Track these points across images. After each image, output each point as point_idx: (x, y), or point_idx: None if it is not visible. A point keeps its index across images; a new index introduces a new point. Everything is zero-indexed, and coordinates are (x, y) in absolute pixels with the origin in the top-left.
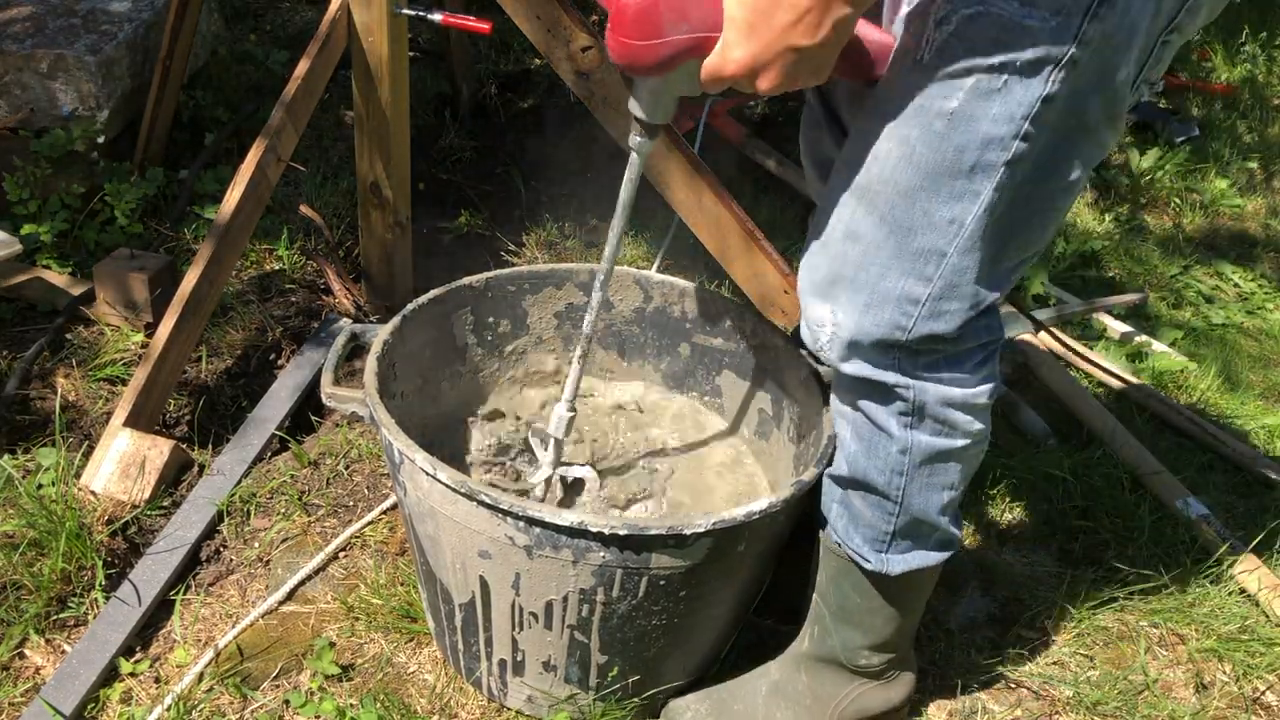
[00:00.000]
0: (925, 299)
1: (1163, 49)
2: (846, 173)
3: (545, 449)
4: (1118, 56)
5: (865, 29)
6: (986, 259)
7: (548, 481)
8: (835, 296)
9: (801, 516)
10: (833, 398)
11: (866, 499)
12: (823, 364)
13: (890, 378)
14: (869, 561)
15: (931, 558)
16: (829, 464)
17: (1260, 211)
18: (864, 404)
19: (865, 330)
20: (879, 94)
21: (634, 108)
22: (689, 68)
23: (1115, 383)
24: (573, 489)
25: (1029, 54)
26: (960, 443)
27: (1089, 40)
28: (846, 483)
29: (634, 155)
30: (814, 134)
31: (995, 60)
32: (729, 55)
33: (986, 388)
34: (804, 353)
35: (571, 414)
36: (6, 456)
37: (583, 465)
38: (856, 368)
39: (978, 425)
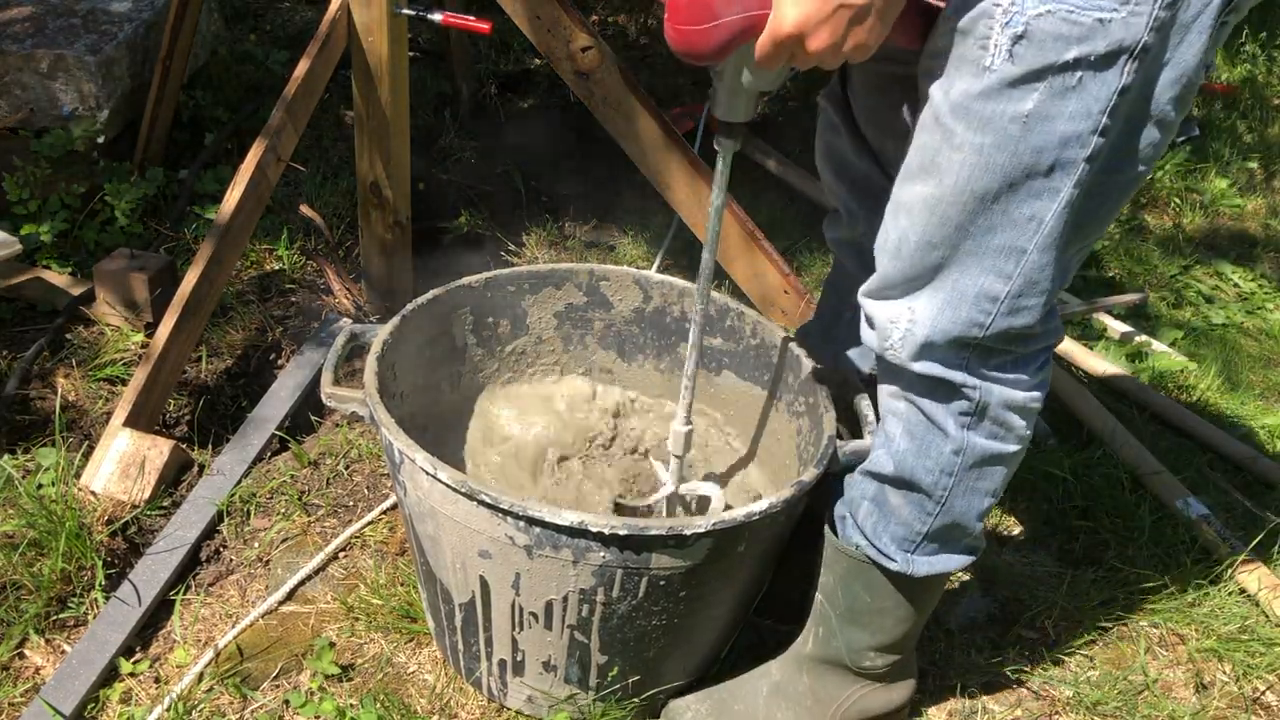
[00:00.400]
0: (1005, 296)
1: (1221, 30)
2: (916, 186)
3: (666, 468)
4: (1189, 40)
5: None
6: (1061, 252)
7: (670, 499)
8: (912, 295)
9: (802, 516)
10: (884, 393)
11: (907, 497)
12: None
13: (958, 377)
14: (894, 561)
15: (955, 561)
16: (832, 463)
17: (1260, 211)
18: (923, 401)
19: (942, 329)
20: (943, 105)
21: (714, 111)
22: (747, 51)
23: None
24: (698, 508)
25: (1102, 47)
26: (1012, 448)
27: (1161, 26)
28: (888, 479)
29: (720, 158)
30: (830, 139)
31: (1069, 57)
32: (780, 14)
33: (1043, 393)
34: (804, 352)
35: (689, 428)
36: (6, 456)
37: (707, 483)
38: (926, 367)
39: (1027, 431)
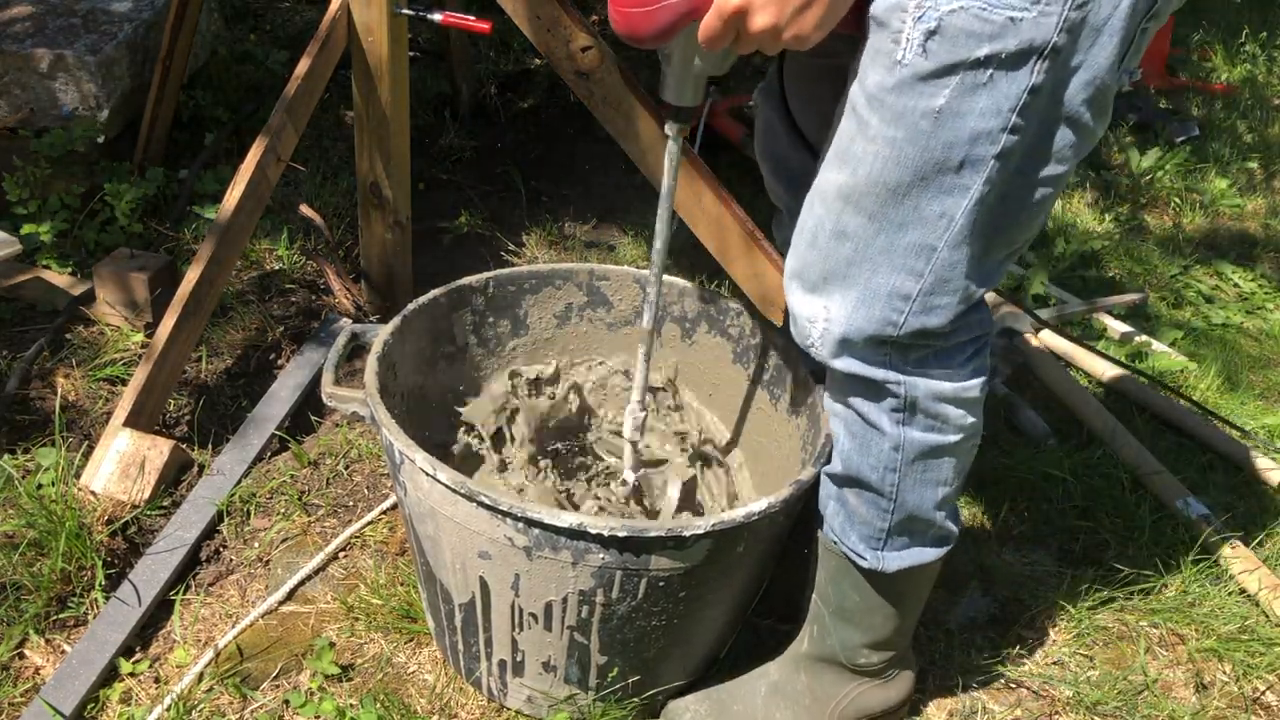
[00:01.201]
0: (916, 294)
1: (1141, 36)
2: (831, 174)
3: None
4: (1101, 43)
5: None
6: (976, 253)
7: (633, 485)
8: (827, 293)
9: (801, 516)
10: (825, 396)
11: (861, 496)
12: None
13: (881, 374)
14: (865, 559)
15: (928, 554)
16: (827, 462)
17: (1260, 211)
18: (855, 401)
19: (857, 327)
20: (859, 95)
21: (663, 93)
22: (691, 33)
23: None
24: (656, 492)
25: (1013, 45)
26: (953, 438)
27: (1072, 28)
28: (841, 480)
29: (670, 143)
30: (768, 137)
31: (980, 54)
32: None
33: (978, 381)
34: (803, 351)
35: (644, 413)
36: (6, 456)
37: (663, 466)
38: (848, 364)
39: (970, 419)
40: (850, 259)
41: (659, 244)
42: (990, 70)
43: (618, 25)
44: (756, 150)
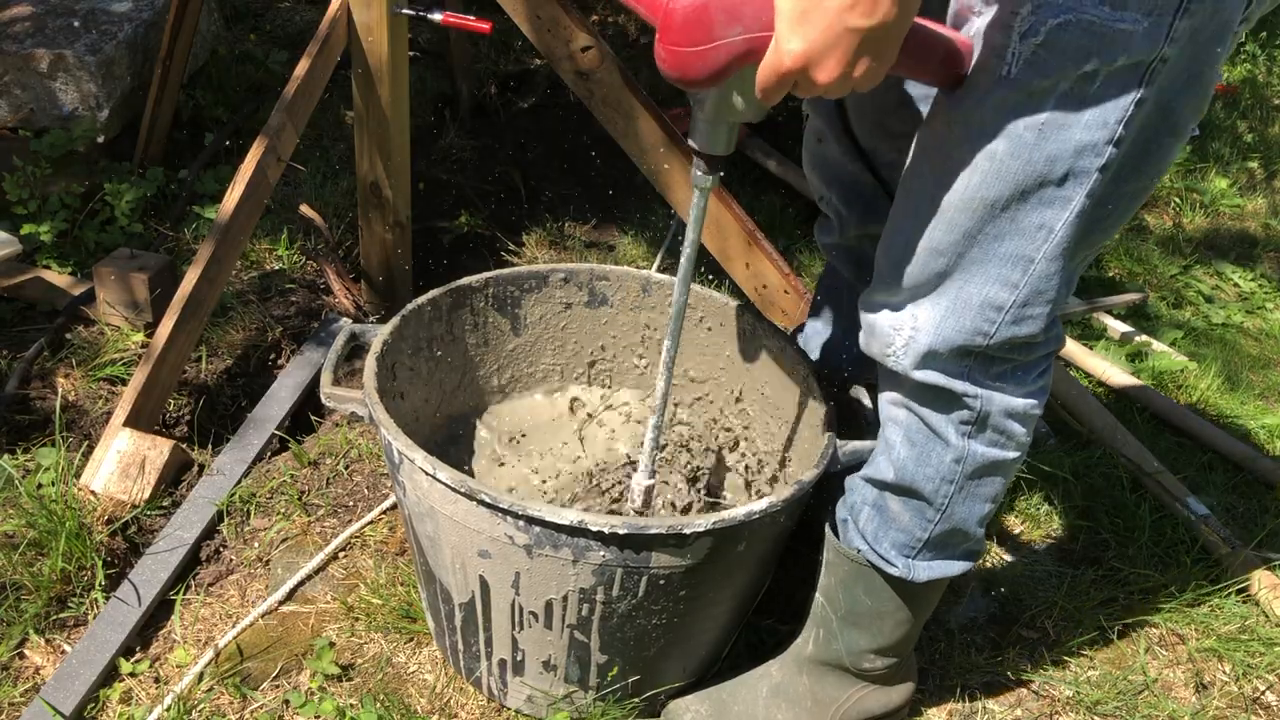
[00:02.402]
0: (1010, 305)
1: (1233, 40)
2: (925, 191)
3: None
4: (1206, 51)
5: (939, 29)
6: (1068, 261)
7: (648, 491)
8: (914, 304)
9: (803, 517)
10: (884, 400)
11: (907, 504)
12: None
13: (960, 386)
14: (895, 567)
15: (956, 567)
16: (830, 462)
17: (1260, 211)
18: (923, 410)
19: (945, 337)
20: (954, 110)
21: (693, 142)
22: (745, 76)
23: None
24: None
25: (1121, 59)
26: (1012, 455)
27: (1179, 38)
28: (888, 487)
29: (696, 193)
30: (818, 146)
31: (1087, 68)
32: (784, 48)
33: (1043, 400)
34: (803, 353)
35: (651, 482)
36: (6, 456)
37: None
38: (928, 375)
39: (1027, 438)
40: (942, 271)
41: (681, 284)
42: (1097, 83)
43: (666, 65)
44: (805, 160)
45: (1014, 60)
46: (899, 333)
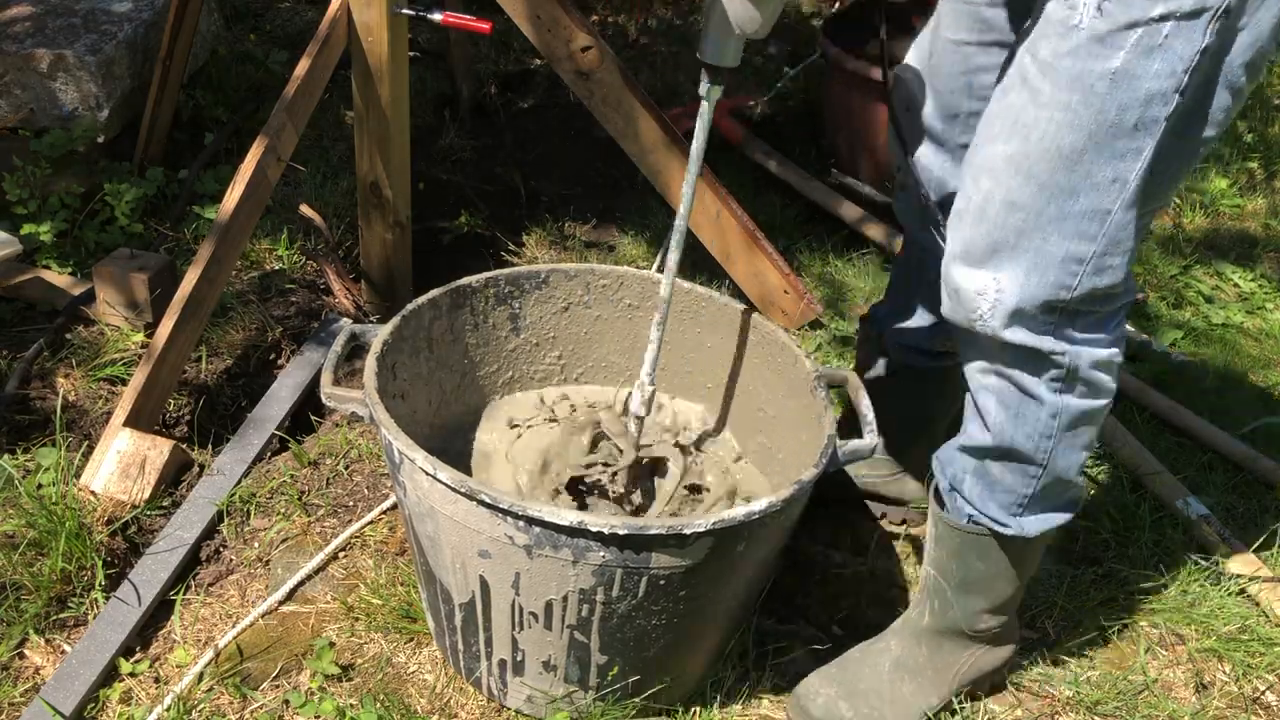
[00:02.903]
0: (1090, 257)
1: None
2: (999, 145)
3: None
4: (1267, 6)
5: None
6: (1141, 210)
7: (631, 467)
8: (996, 265)
9: (803, 518)
10: (971, 369)
11: (1008, 466)
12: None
13: (1049, 343)
14: (1007, 527)
15: (1063, 516)
16: (830, 462)
17: (1260, 211)
18: (1013, 372)
19: (1030, 294)
20: (1030, 66)
21: (702, 54)
22: None
23: None
24: (655, 472)
25: (1189, 4)
26: (1102, 402)
27: None
28: (987, 452)
29: (704, 103)
30: (912, 88)
31: (1155, 13)
32: None
33: (1123, 348)
34: (803, 352)
35: (652, 387)
36: (6, 456)
37: (664, 445)
38: (1016, 334)
39: (1113, 385)
40: (1021, 228)
41: (683, 209)
42: (1165, 29)
43: None
44: (892, 103)
45: (1085, 10)
46: (984, 296)
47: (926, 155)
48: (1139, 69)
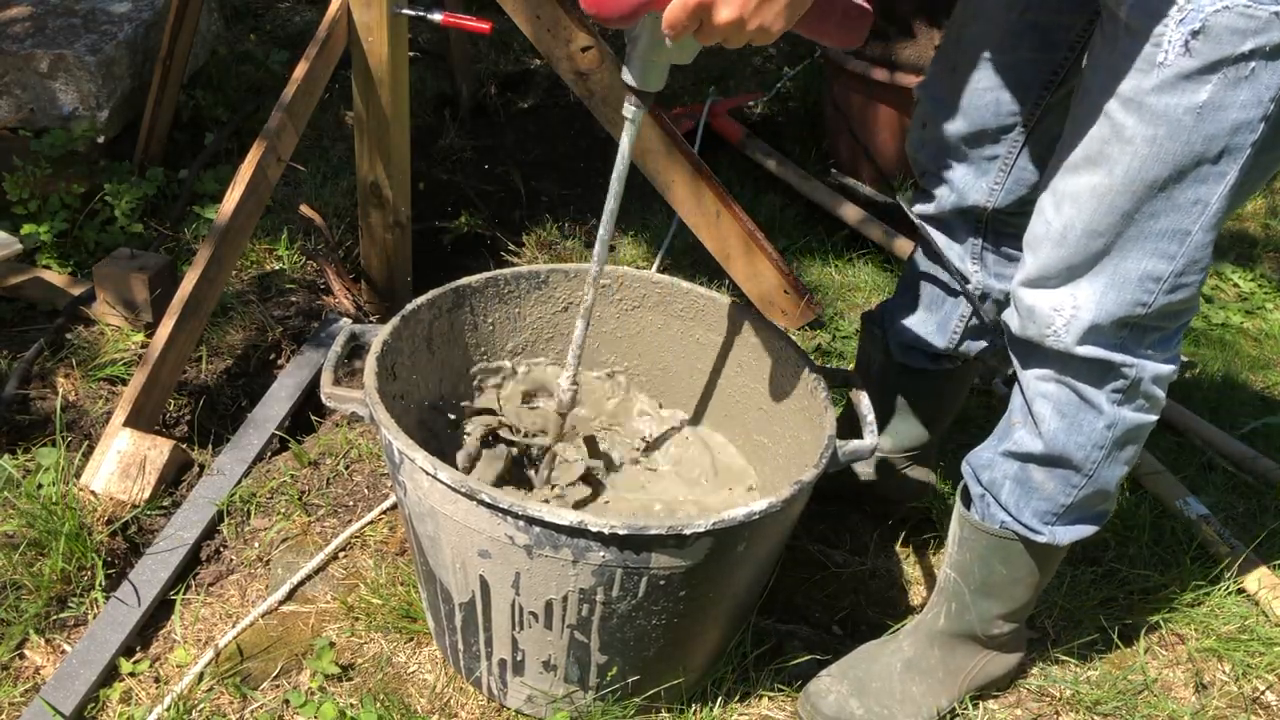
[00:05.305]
0: (1168, 275)
1: None
2: (1082, 177)
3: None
4: None
5: None
6: (1219, 229)
7: (550, 453)
8: (1073, 284)
9: (803, 517)
10: (1029, 376)
11: (1052, 474)
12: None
13: (1118, 357)
14: (1040, 535)
15: (1090, 529)
16: (830, 462)
17: (1260, 211)
18: (1076, 383)
19: (1107, 311)
20: (1110, 99)
21: (626, 76)
22: (657, 19)
23: None
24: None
25: (1277, 38)
26: (1153, 417)
27: None
28: (1033, 459)
29: (628, 124)
30: (932, 125)
31: (1244, 49)
32: None
33: (1178, 364)
34: (801, 352)
35: (574, 387)
36: (6, 456)
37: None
38: (1089, 350)
39: (1164, 401)
40: (1100, 251)
41: (611, 204)
42: (1253, 63)
43: (587, 5)
44: (912, 142)
45: (1170, 48)
46: (1059, 313)
47: (949, 167)
48: (1226, 101)
